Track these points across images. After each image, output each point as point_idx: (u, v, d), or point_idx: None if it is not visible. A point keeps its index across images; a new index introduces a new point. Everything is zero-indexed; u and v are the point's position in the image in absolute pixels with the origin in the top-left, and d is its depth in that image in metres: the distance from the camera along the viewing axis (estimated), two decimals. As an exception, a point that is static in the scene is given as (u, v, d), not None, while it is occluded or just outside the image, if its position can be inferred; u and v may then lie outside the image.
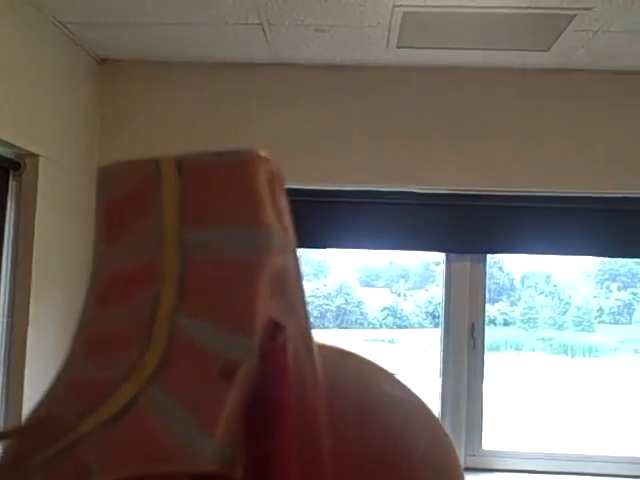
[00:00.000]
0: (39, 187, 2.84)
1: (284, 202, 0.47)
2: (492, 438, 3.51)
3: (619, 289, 5.42)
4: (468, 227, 3.40)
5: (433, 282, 5.46)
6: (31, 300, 2.79)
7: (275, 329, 0.43)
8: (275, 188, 0.46)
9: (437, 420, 0.58)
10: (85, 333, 0.47)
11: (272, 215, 0.44)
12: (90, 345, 0.46)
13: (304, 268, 5.75)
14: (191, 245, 0.44)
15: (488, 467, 3.38)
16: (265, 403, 0.43)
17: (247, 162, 0.45)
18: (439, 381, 3.44)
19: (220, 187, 0.44)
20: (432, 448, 0.54)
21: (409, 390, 0.58)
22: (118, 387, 0.43)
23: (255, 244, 0.43)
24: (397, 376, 0.58)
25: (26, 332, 2.77)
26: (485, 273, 3.46)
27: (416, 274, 5.75)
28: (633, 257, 4.30)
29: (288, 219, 0.47)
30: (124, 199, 0.46)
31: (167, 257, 0.44)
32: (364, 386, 0.54)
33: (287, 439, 0.42)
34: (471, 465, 3.36)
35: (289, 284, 0.46)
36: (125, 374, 0.43)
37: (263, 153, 0.45)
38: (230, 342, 0.42)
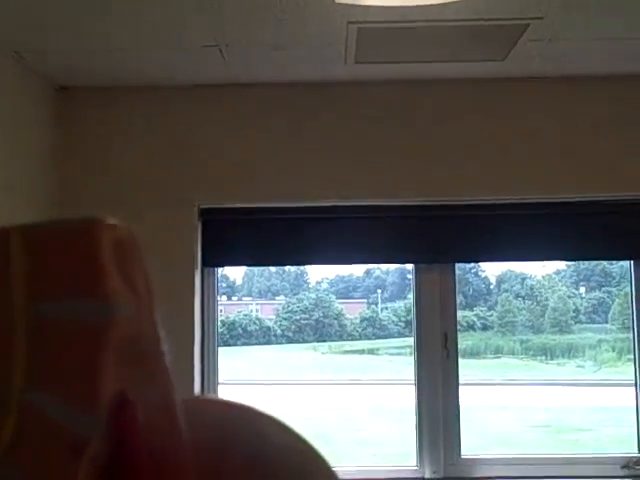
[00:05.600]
0: (-2, 218, 2.81)
1: (137, 267, 0.47)
2: (471, 446, 3.52)
3: (593, 289, 5.46)
4: (435, 237, 3.42)
5: (410, 291, 5.48)
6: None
7: (123, 401, 0.43)
8: (124, 255, 0.46)
9: (331, 470, 0.58)
10: None
11: (118, 283, 0.44)
12: None
13: (280, 283, 5.74)
14: (38, 320, 0.44)
15: (468, 475, 3.38)
16: (121, 476, 0.43)
17: (89, 232, 0.45)
18: (414, 391, 3.44)
19: (64, 259, 0.44)
20: None
21: (303, 440, 0.57)
22: None
23: (96, 315, 0.44)
24: (290, 425, 0.58)
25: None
26: (455, 282, 3.47)
27: (393, 284, 5.77)
28: (602, 259, 4.34)
29: (143, 284, 0.47)
30: None
31: (16, 333, 0.44)
32: (255, 437, 0.54)
33: None
34: (451, 474, 3.36)
35: (142, 351, 0.46)
36: None
37: (109, 220, 0.46)
38: (77, 418, 0.42)
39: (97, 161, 3.34)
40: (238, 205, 3.39)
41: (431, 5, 2.57)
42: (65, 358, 0.43)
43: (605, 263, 5.24)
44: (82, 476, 0.41)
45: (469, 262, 3.90)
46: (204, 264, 3.40)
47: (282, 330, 5.63)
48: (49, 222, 0.46)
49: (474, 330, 5.49)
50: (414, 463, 3.36)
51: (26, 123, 3.09)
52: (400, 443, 3.57)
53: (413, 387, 3.46)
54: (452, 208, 3.38)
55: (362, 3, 2.56)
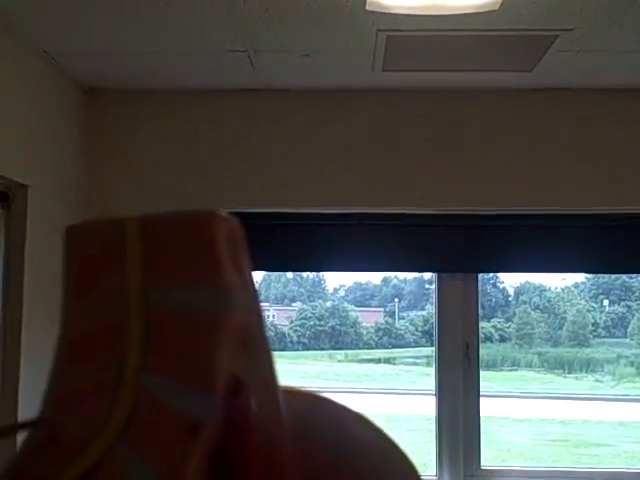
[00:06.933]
0: (28, 217, 2.84)
1: (245, 258, 0.48)
2: (487, 457, 3.49)
3: (613, 303, 5.42)
4: (459, 247, 3.41)
5: (428, 301, 5.46)
6: (22, 332, 2.78)
7: (238, 386, 0.44)
8: (236, 246, 0.47)
9: (410, 463, 0.58)
10: (57, 389, 0.48)
11: (233, 273, 0.46)
12: (61, 402, 0.47)
13: (297, 289, 5.74)
14: (154, 305, 0.45)
15: (487, 487, 3.36)
16: (231, 458, 0.43)
17: (207, 223, 0.46)
18: (434, 400, 3.42)
19: (181, 248, 0.46)
20: None
21: (382, 433, 0.58)
22: (86, 445, 0.43)
23: (216, 304, 0.45)
24: (370, 419, 0.59)
25: (18, 363, 2.76)
26: (477, 292, 3.46)
27: (410, 293, 5.76)
28: (624, 272, 4.31)
29: (250, 274, 0.48)
30: (92, 259, 0.48)
31: (132, 317, 0.45)
32: (337, 431, 0.55)
33: None
34: (469, 485, 3.34)
35: (253, 339, 0.47)
36: (93, 432, 0.44)
37: (223, 213, 0.47)
38: (193, 400, 0.43)
39: (124, 162, 3.36)
40: (261, 210, 3.40)
41: (460, 15, 2.57)
42: (183, 343, 0.44)
43: (625, 277, 5.20)
44: (196, 457, 0.41)
45: (493, 272, 3.88)
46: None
47: (298, 337, 5.62)
48: (165, 213, 0.47)
49: (491, 342, 5.46)
50: (433, 473, 3.35)
51: (57, 124, 3.12)
52: (418, 453, 3.56)
53: (431, 397, 3.44)
54: (477, 218, 3.37)
55: (392, 11, 2.56)
